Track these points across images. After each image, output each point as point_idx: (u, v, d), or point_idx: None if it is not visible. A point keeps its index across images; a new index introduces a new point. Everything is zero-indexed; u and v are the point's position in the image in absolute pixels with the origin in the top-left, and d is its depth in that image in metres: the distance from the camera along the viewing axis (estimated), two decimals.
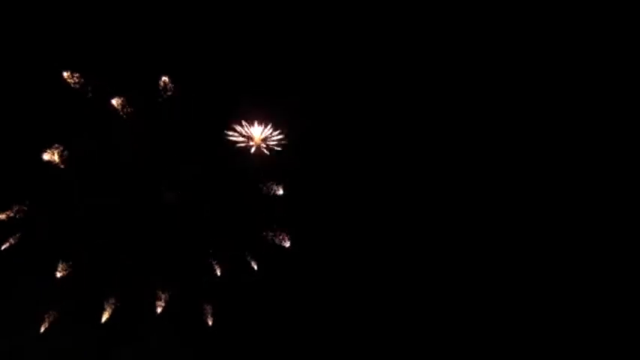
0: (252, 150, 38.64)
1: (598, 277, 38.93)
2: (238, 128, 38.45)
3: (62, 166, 35.98)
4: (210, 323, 38.48)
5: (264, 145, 38.67)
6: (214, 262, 38.59)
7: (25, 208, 35.64)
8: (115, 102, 36.16)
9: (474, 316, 39.49)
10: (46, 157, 35.35)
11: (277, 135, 38.83)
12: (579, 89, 40.77)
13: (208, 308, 38.51)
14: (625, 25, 39.84)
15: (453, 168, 41.64)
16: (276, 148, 38.94)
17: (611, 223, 39.77)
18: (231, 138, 38.61)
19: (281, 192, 39.29)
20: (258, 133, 38.80)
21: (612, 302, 38.44)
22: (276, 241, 39.13)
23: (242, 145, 38.69)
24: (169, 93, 37.20)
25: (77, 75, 35.60)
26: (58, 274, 35.30)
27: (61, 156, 35.62)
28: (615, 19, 39.98)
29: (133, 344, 37.81)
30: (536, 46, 40.98)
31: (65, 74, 35.53)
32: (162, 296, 37.26)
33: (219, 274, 38.33)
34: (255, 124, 38.41)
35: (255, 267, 38.60)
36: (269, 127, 38.65)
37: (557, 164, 41.24)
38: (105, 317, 36.48)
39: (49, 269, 35.40)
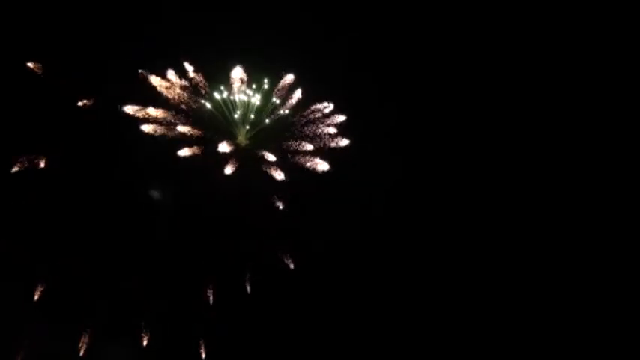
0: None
1: (598, 277, 38.05)
2: None
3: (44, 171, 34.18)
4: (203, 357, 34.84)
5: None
6: (207, 288, 35.29)
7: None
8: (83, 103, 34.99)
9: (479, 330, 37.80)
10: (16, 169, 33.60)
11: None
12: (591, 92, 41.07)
13: (202, 342, 34.97)
14: (625, 25, 40.41)
15: (458, 185, 41.21)
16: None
17: (610, 223, 39.15)
18: None
19: (281, 207, 36.59)
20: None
21: (612, 302, 37.51)
22: (279, 259, 36.30)
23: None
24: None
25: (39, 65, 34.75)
26: (36, 296, 32.72)
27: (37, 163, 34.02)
28: (615, 19, 40.58)
29: None
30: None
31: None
32: (147, 330, 33.99)
33: (211, 301, 34.97)
34: None
35: (249, 290, 35.45)
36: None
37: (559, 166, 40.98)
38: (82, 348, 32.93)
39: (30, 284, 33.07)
